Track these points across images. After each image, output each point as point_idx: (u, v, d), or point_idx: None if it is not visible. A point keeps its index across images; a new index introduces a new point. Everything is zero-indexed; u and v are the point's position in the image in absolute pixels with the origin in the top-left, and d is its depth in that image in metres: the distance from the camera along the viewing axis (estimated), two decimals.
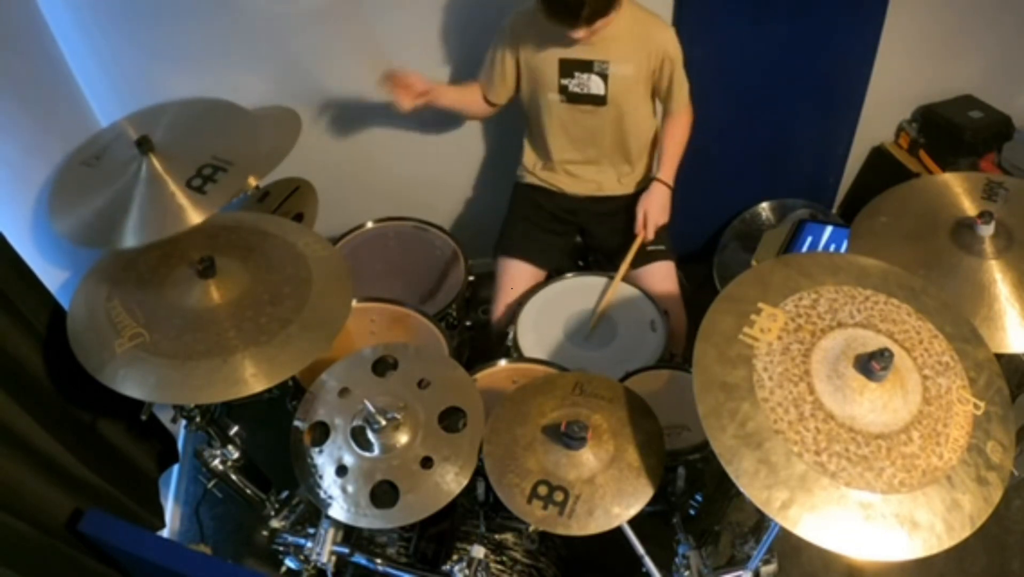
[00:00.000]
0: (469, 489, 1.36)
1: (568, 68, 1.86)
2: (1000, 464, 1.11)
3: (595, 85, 1.87)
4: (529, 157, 2.12)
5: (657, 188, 2.01)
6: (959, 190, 1.54)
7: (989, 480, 1.09)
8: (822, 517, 1.04)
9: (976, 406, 1.15)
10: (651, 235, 2.00)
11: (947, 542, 1.05)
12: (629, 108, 1.93)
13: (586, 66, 1.85)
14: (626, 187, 2.10)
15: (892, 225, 1.52)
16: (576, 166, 2.06)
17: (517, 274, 2.09)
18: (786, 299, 1.21)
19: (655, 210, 2.00)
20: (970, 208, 1.50)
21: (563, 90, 1.89)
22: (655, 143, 2.10)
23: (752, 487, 1.05)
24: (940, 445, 1.10)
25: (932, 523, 1.05)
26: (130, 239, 1.35)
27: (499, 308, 2.07)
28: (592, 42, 1.81)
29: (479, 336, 2.12)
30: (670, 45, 1.86)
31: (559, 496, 1.26)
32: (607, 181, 2.09)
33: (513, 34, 1.89)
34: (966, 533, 1.06)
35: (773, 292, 1.22)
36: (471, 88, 2.03)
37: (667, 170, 2.02)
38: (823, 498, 1.05)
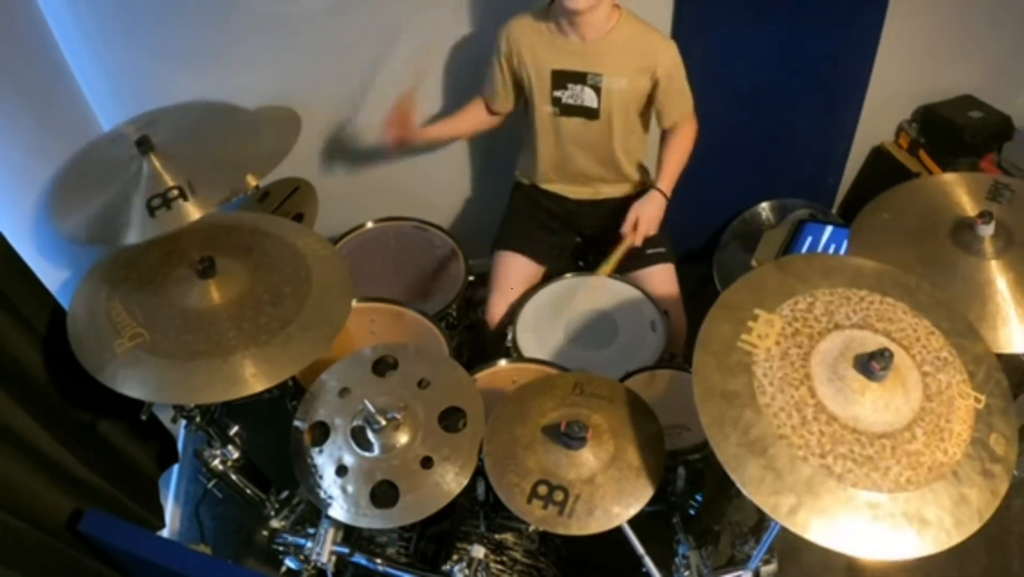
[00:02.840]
0: (469, 489, 1.36)
1: (561, 79, 1.84)
2: (1004, 456, 1.11)
3: (588, 97, 1.85)
4: (526, 162, 2.12)
5: (654, 197, 1.93)
6: (962, 190, 1.54)
7: (995, 473, 1.09)
8: (831, 519, 1.04)
9: (977, 400, 1.15)
10: (638, 242, 1.93)
11: (956, 537, 1.05)
12: (621, 122, 1.90)
13: (579, 78, 1.83)
14: (624, 191, 2.10)
15: (893, 223, 1.52)
16: (569, 175, 2.05)
17: (514, 268, 2.08)
18: (782, 304, 1.21)
19: (647, 218, 1.91)
20: (972, 208, 1.49)
21: (556, 102, 1.88)
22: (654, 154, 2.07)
23: (759, 494, 1.05)
24: (944, 441, 1.10)
25: (941, 519, 1.05)
26: (131, 237, 1.37)
27: (494, 302, 2.05)
28: (587, 53, 1.80)
29: (479, 336, 2.12)
30: (668, 60, 1.82)
31: (559, 496, 1.26)
32: (602, 187, 2.08)
33: (507, 44, 1.87)
34: (975, 527, 1.06)
35: (769, 297, 1.22)
36: (471, 108, 2.03)
37: (667, 181, 1.94)
38: (831, 501, 1.04)
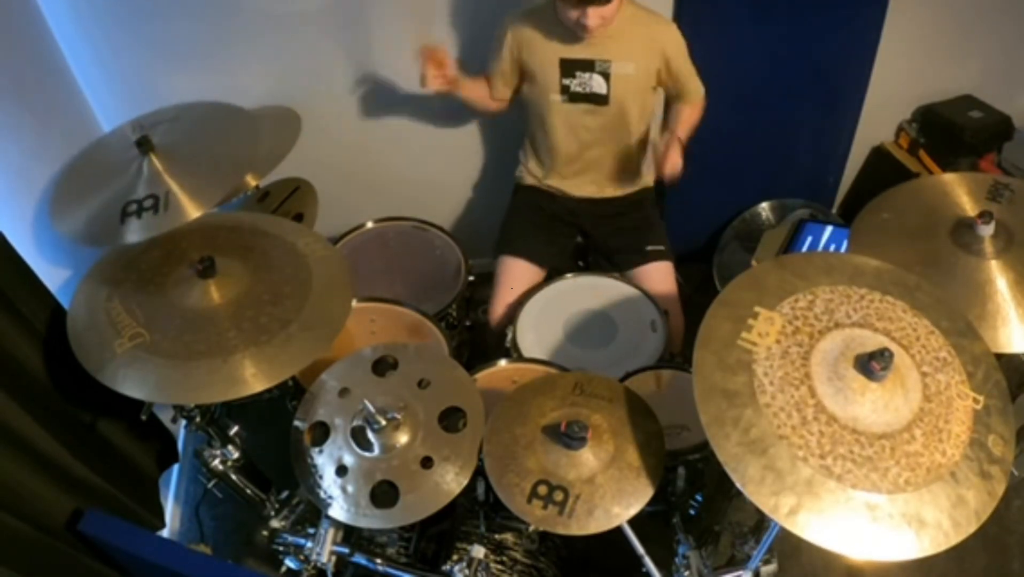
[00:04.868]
0: (469, 489, 1.36)
1: (569, 68, 1.86)
2: (1002, 457, 1.11)
3: (597, 84, 1.87)
4: (529, 159, 2.12)
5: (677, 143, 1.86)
6: (962, 190, 1.54)
7: (992, 474, 1.09)
8: (830, 520, 1.04)
9: (975, 400, 1.15)
10: (667, 171, 1.84)
11: (954, 538, 1.05)
12: (631, 107, 1.93)
13: (587, 65, 1.85)
14: (625, 188, 2.11)
15: (893, 223, 1.52)
16: (576, 167, 2.06)
17: (517, 273, 2.08)
18: (782, 302, 1.21)
19: (674, 158, 1.85)
20: (972, 208, 1.50)
21: (565, 90, 1.89)
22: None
23: (759, 494, 1.05)
24: (943, 442, 1.10)
25: (939, 520, 1.05)
26: (131, 236, 1.37)
27: (497, 307, 2.06)
28: (593, 41, 1.81)
29: (479, 336, 2.12)
30: (672, 42, 1.86)
31: (559, 496, 1.26)
32: (606, 182, 2.09)
33: (513, 34, 1.89)
34: (972, 528, 1.06)
35: (769, 295, 1.21)
36: (484, 83, 2.03)
37: (684, 131, 1.94)
38: (830, 501, 1.04)
